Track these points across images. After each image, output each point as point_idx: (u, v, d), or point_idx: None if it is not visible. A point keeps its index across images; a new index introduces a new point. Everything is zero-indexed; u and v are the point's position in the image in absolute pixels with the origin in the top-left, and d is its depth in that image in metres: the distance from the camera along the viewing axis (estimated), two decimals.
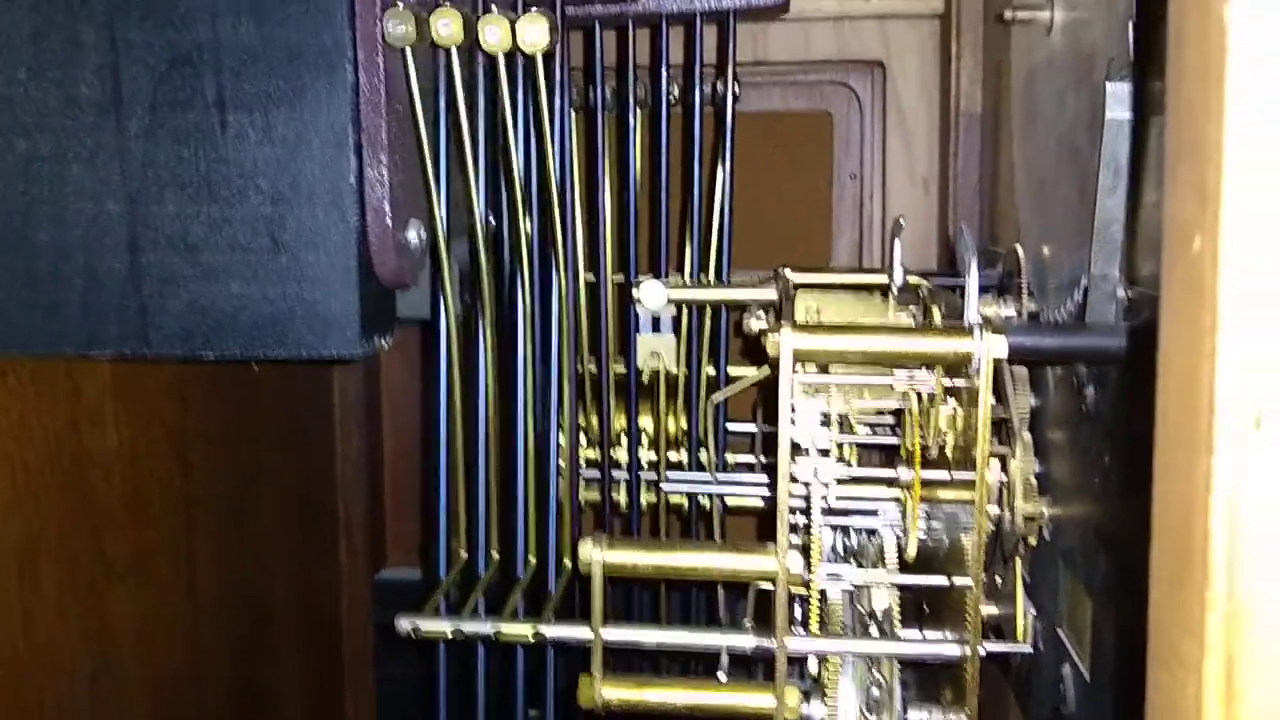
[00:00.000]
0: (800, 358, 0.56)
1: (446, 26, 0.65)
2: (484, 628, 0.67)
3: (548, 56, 0.71)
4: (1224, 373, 0.26)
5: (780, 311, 0.79)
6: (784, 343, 0.55)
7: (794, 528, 0.72)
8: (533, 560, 0.83)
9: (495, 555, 0.83)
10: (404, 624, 0.68)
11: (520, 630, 0.66)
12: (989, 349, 0.55)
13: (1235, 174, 0.25)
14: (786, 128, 1.24)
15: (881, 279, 0.90)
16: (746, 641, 0.61)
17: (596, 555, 0.58)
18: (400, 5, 0.64)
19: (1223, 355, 0.26)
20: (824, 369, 0.72)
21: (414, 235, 0.71)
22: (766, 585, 0.64)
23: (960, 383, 0.63)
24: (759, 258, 1.17)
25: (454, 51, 0.68)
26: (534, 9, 0.65)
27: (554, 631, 0.65)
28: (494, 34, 0.66)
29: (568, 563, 0.85)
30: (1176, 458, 0.28)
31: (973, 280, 0.61)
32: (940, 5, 1.13)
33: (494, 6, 0.67)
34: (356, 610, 1.34)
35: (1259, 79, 0.25)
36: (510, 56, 0.71)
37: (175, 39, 0.66)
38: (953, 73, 1.08)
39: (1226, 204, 0.25)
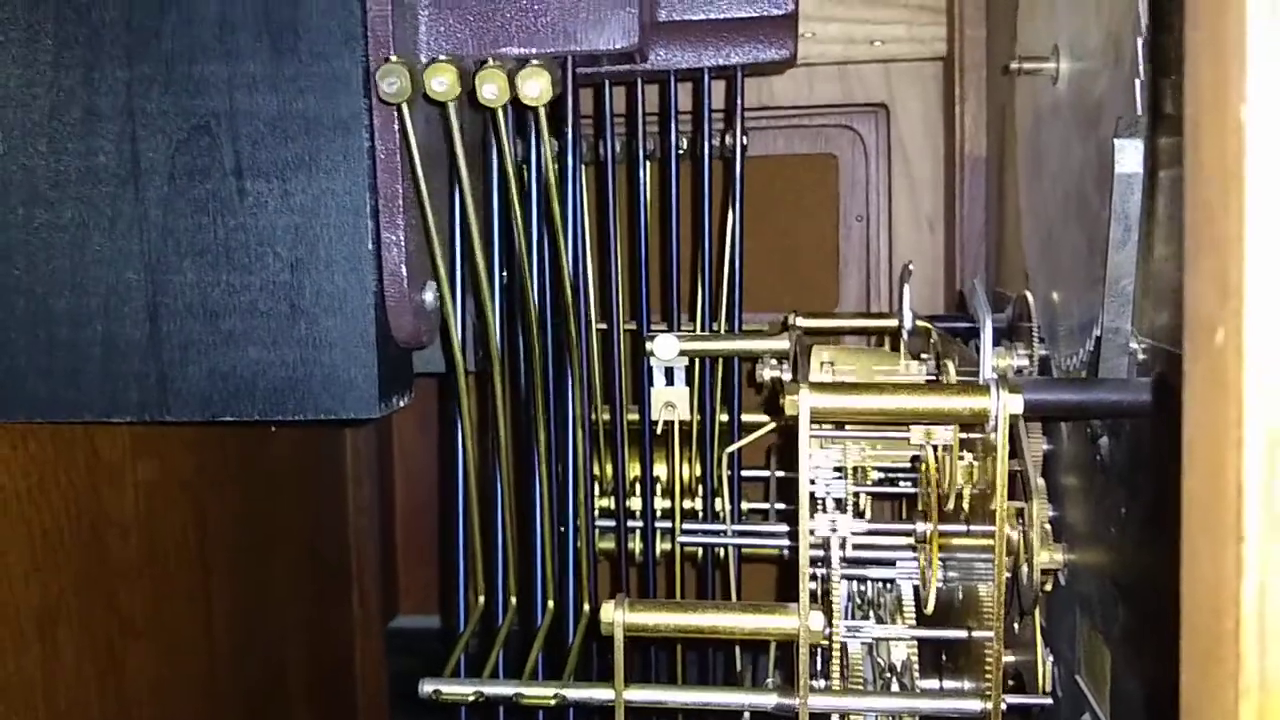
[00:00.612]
0: (818, 418, 0.57)
1: (442, 84, 0.65)
2: (505, 690, 0.68)
3: (551, 109, 0.71)
4: (1251, 464, 0.26)
5: (794, 366, 0.79)
6: (802, 403, 0.56)
7: (812, 577, 0.72)
8: (551, 605, 0.84)
9: (514, 601, 0.84)
10: (426, 688, 0.68)
11: (542, 693, 0.66)
12: (1005, 407, 0.56)
13: (1257, 270, 0.26)
14: (792, 171, 1.25)
15: (891, 323, 0.91)
16: (768, 700, 0.61)
17: (619, 617, 0.59)
18: (394, 60, 0.64)
19: (1249, 447, 0.26)
20: (839, 423, 0.72)
21: (430, 296, 0.72)
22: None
23: (976, 435, 0.64)
24: (767, 300, 1.17)
25: (451, 107, 0.67)
26: (535, 63, 0.65)
27: (576, 694, 0.65)
28: (491, 90, 0.66)
29: (586, 608, 0.85)
30: (1204, 545, 0.28)
31: (987, 338, 0.61)
32: (943, 49, 1.14)
33: (490, 59, 0.68)
34: (370, 660, 1.34)
35: (1277, 176, 0.26)
36: (518, 110, 0.71)
37: (193, 108, 0.66)
38: (957, 116, 1.09)
39: (1249, 300, 0.26)
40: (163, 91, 0.66)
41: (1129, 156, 0.56)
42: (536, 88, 0.66)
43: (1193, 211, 0.28)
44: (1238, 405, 0.26)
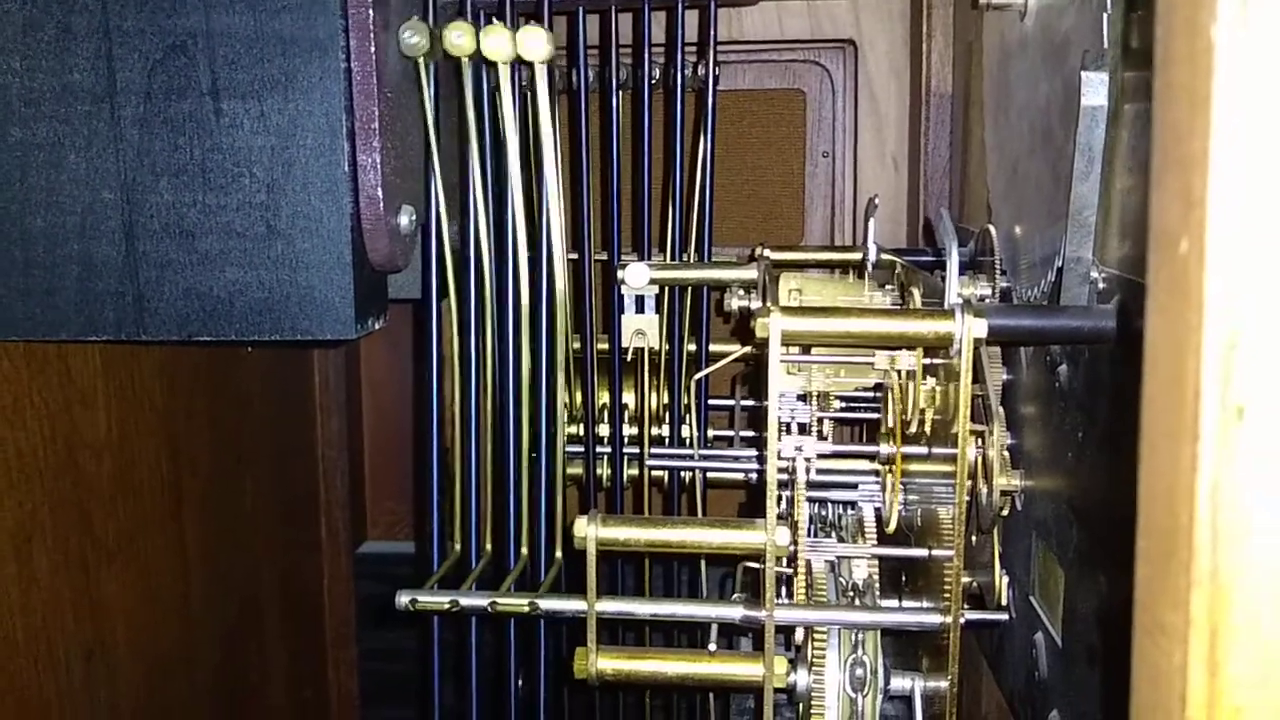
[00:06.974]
0: (788, 340, 0.58)
1: (460, 38, 0.71)
2: (480, 601, 0.69)
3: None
4: (1208, 367, 0.28)
5: (762, 292, 0.81)
6: (773, 326, 0.57)
7: (778, 499, 0.74)
8: (524, 552, 0.85)
9: (489, 548, 0.85)
10: (403, 599, 0.70)
11: (516, 603, 0.68)
12: (969, 330, 0.57)
13: (1219, 184, 0.27)
14: (760, 106, 1.26)
15: (855, 256, 0.92)
16: (735, 612, 0.63)
17: (591, 531, 0.60)
18: (415, 18, 0.67)
19: (1207, 350, 0.28)
20: (806, 349, 0.74)
21: (406, 220, 0.72)
22: (754, 565, 0.66)
23: (939, 361, 0.65)
24: (734, 233, 1.19)
25: (465, 60, 0.71)
26: (533, 22, 0.69)
27: (549, 604, 0.67)
28: (497, 43, 0.71)
29: (559, 555, 0.86)
30: (1162, 445, 0.30)
31: (953, 264, 0.63)
32: None
33: (495, 20, 0.72)
34: (338, 586, 1.35)
35: (1242, 97, 0.27)
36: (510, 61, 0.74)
37: (169, 27, 0.66)
38: (923, 53, 1.09)
39: (1211, 211, 0.27)
40: (139, 9, 0.66)
41: (1095, 89, 0.58)
42: (536, 43, 0.70)
43: (1160, 130, 0.29)
44: (1198, 310, 0.28)
